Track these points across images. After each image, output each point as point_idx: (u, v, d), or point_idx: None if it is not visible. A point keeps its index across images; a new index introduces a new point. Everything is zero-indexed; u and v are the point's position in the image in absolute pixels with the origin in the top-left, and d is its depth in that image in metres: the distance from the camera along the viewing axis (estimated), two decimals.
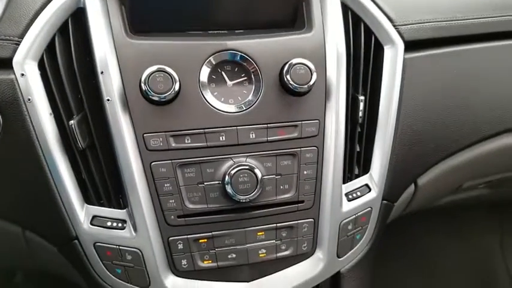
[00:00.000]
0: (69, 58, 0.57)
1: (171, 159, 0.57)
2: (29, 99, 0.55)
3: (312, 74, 0.58)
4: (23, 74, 0.55)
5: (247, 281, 0.62)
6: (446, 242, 1.54)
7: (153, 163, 0.57)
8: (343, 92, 0.63)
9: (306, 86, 0.58)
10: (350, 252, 0.68)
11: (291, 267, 0.64)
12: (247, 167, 0.58)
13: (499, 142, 0.78)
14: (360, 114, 0.66)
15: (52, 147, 0.56)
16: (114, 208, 0.60)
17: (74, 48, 0.57)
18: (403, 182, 0.74)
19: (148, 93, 0.54)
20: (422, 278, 1.49)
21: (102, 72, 0.55)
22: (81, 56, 0.57)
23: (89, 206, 0.59)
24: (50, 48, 0.57)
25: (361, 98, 0.65)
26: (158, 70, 0.54)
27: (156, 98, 0.54)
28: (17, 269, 1.17)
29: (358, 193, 0.67)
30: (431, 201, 0.95)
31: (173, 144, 0.57)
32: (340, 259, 0.67)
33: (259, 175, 0.58)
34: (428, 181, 0.77)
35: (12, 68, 0.55)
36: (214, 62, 0.58)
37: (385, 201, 0.71)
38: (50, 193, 0.58)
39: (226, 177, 0.57)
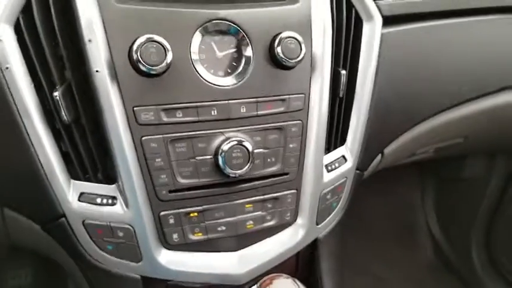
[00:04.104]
0: (48, 23, 0.52)
1: (162, 134, 0.56)
2: (7, 68, 0.51)
3: (301, 48, 0.59)
4: None
5: (235, 251, 0.64)
6: (375, 198, 1.66)
7: (143, 138, 0.55)
8: (328, 66, 0.64)
9: (295, 60, 0.59)
10: (327, 219, 0.72)
11: (274, 236, 0.66)
12: (239, 142, 0.58)
13: (457, 112, 0.84)
14: (341, 87, 0.68)
15: (35, 120, 0.53)
16: (101, 183, 0.57)
17: (54, 11, 0.52)
18: (374, 152, 0.79)
19: (140, 64, 0.51)
20: (355, 232, 1.60)
21: (90, 41, 0.52)
22: (62, 21, 0.53)
23: (76, 182, 0.57)
24: (26, 10, 0.52)
25: (343, 72, 0.67)
26: (150, 40, 0.52)
27: (147, 70, 0.52)
28: None
29: (336, 164, 0.70)
30: (386, 166, 1.02)
31: (164, 119, 0.55)
32: (318, 226, 0.70)
33: (251, 150, 0.58)
34: (393, 150, 0.82)
35: None
36: (204, 32, 0.56)
37: (357, 171, 0.75)
38: (33, 168, 0.54)
39: (220, 152, 0.57)
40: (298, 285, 0.53)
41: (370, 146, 0.75)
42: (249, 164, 0.58)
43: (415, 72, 0.76)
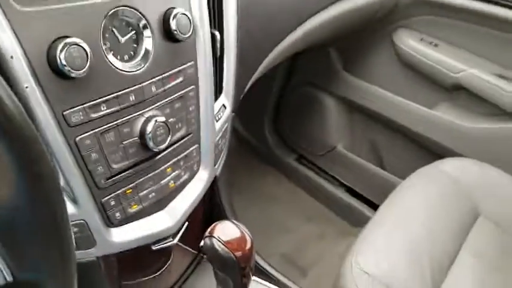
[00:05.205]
0: None
1: (93, 130, 0.59)
2: None
3: (191, 22, 0.66)
4: None
5: (163, 209, 0.73)
6: None
7: (77, 138, 0.57)
8: (207, 31, 0.73)
9: (189, 34, 0.66)
10: (220, 159, 0.85)
11: (187, 187, 0.77)
12: (158, 119, 0.64)
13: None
14: (218, 46, 0.77)
15: None
16: None
17: None
18: (241, 93, 0.92)
19: (66, 70, 0.52)
20: None
21: (12, 57, 0.49)
22: None
23: None
24: None
25: (217, 33, 0.76)
26: (69, 44, 0.52)
27: (76, 75, 0.53)
28: None
29: (221, 113, 0.82)
30: None
31: (92, 115, 0.58)
32: (215, 167, 0.83)
33: (168, 123, 0.66)
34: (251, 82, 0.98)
35: None
36: (108, 21, 0.58)
37: (233, 113, 0.88)
38: None
39: (147, 131, 0.63)
40: (236, 224, 0.67)
41: (238, 89, 0.88)
42: (170, 137, 0.66)
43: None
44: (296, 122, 1.85)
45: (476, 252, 1.04)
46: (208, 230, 0.65)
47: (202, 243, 0.66)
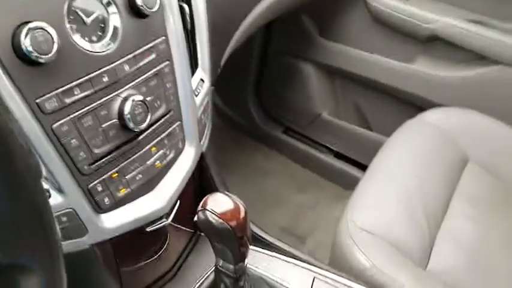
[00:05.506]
0: None
1: (69, 115, 0.57)
2: None
3: None
4: None
5: (152, 190, 0.72)
6: None
7: (54, 125, 0.56)
8: (175, 3, 0.71)
9: (156, 8, 0.64)
10: (205, 135, 0.84)
11: (174, 165, 0.76)
12: (135, 99, 0.63)
13: None
14: (188, 20, 0.75)
15: None
16: None
17: None
18: (218, 66, 0.91)
19: (34, 56, 0.51)
20: None
21: None
22: None
23: None
24: None
25: (185, 6, 0.75)
26: (34, 29, 0.50)
27: (44, 61, 0.52)
28: None
29: (200, 88, 0.81)
30: None
31: (66, 100, 0.57)
32: (201, 143, 0.82)
33: (145, 101, 0.65)
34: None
35: None
36: (71, 2, 0.56)
37: (212, 87, 0.87)
38: None
39: (125, 112, 0.62)
40: (228, 195, 0.66)
41: (214, 60, 0.87)
42: (149, 115, 0.65)
43: None
44: (279, 94, 1.84)
45: (469, 198, 1.05)
46: (201, 204, 0.65)
47: (196, 218, 0.65)
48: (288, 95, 1.80)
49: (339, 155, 1.75)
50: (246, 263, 0.70)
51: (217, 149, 0.95)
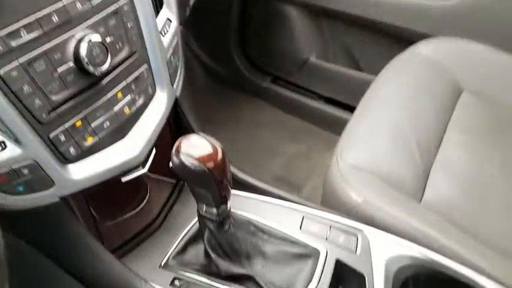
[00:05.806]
0: None
1: (17, 59, 0.52)
2: None
3: None
4: None
5: (123, 138, 0.68)
6: None
7: (1, 70, 0.51)
8: None
9: None
10: (177, 79, 0.79)
11: (146, 112, 0.71)
12: (92, 39, 0.58)
13: None
14: None
15: None
16: None
17: None
18: (186, 3, 0.84)
19: None
20: None
21: None
22: None
23: None
24: None
25: None
26: None
27: None
28: None
29: (167, 27, 0.75)
30: None
31: (13, 44, 0.51)
32: (174, 87, 0.77)
33: (104, 42, 0.59)
34: None
35: None
36: None
37: (181, 26, 0.81)
38: None
39: (81, 54, 0.56)
40: (203, 136, 0.62)
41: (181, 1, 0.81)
42: (109, 57, 0.60)
43: None
44: (263, 42, 1.77)
45: (463, 128, 1.01)
46: (174, 147, 0.61)
47: (170, 163, 0.61)
48: (272, 41, 1.73)
49: (330, 101, 1.70)
50: (228, 205, 0.67)
51: (206, 106, 0.90)
